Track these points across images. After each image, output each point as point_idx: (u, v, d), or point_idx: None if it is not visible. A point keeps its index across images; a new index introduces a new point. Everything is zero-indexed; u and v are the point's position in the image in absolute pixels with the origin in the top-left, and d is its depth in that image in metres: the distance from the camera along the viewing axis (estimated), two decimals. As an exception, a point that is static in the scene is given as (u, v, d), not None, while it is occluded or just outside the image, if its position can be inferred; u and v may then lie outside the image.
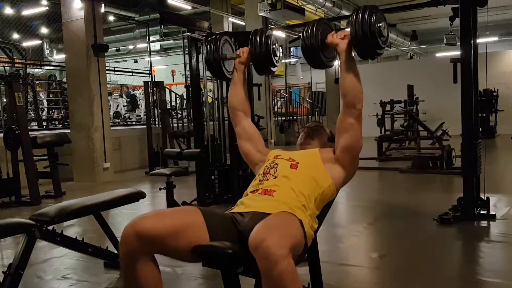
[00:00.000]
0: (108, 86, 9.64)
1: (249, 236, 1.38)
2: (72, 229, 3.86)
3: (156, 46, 17.35)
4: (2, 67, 8.96)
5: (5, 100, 6.83)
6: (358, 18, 1.73)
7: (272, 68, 2.15)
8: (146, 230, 1.48)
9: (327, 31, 1.89)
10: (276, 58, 2.12)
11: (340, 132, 1.87)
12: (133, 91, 13.41)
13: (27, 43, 14.25)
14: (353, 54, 1.84)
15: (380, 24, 1.73)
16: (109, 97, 10.69)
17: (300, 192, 1.76)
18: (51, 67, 13.15)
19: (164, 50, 19.65)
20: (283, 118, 13.32)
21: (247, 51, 2.12)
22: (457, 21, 3.75)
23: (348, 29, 1.79)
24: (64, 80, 9.66)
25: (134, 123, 12.05)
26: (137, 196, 2.77)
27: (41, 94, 10.84)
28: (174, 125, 8.45)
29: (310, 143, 2.08)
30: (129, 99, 13.05)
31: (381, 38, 1.75)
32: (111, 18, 12.47)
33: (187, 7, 11.06)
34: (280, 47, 2.18)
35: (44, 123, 10.17)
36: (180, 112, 10.34)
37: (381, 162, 7.88)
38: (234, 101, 2.14)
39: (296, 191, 1.75)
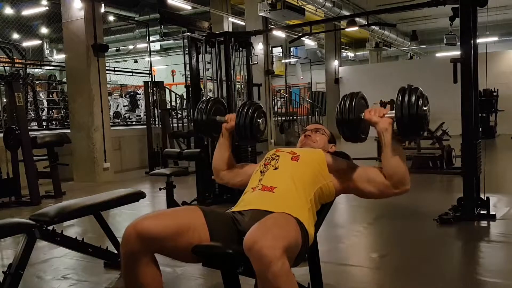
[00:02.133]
0: (108, 86, 9.63)
1: (244, 238, 1.39)
2: (72, 229, 3.86)
3: (156, 46, 17.37)
4: (2, 67, 8.97)
5: (5, 100, 6.82)
6: (405, 101, 1.69)
7: (253, 141, 2.16)
8: (148, 231, 1.49)
9: (363, 106, 1.85)
10: (259, 133, 2.11)
11: (371, 181, 1.83)
12: (133, 91, 13.41)
13: (27, 43, 14.25)
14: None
15: (425, 108, 1.70)
16: (109, 97, 10.69)
17: (301, 185, 1.76)
18: (51, 67, 13.16)
19: (164, 50, 19.67)
20: (283, 118, 13.32)
21: (234, 119, 2.10)
22: (457, 21, 3.76)
23: (387, 109, 1.78)
24: (64, 80, 9.66)
25: (134, 123, 12.05)
26: (137, 196, 2.76)
27: (41, 94, 10.84)
28: (174, 125, 8.44)
29: (311, 145, 2.08)
30: (129, 99, 13.05)
31: (425, 121, 1.72)
32: (111, 18, 12.47)
33: (187, 7, 11.06)
34: (265, 123, 2.14)
35: (44, 123, 10.17)
36: (180, 112, 10.34)
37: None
38: (218, 164, 2.14)
39: (296, 184, 1.76)
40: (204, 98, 2.28)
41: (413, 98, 1.69)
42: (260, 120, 2.09)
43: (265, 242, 1.32)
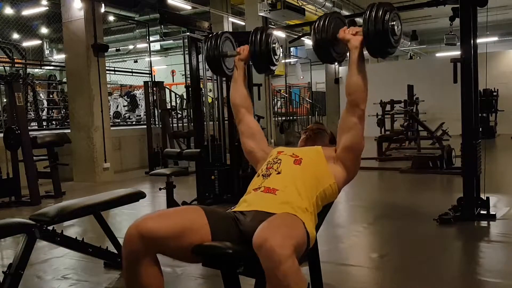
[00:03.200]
0: (108, 86, 9.63)
1: (253, 236, 1.39)
2: (72, 229, 3.86)
3: (156, 46, 17.34)
4: (2, 67, 8.96)
5: (5, 100, 6.82)
6: (372, 15, 1.70)
7: (271, 67, 2.15)
8: (150, 231, 1.48)
9: (339, 26, 1.85)
10: (276, 57, 2.11)
11: (342, 131, 1.86)
12: (133, 91, 13.41)
13: (27, 43, 14.23)
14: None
15: (394, 23, 1.70)
16: (109, 97, 10.69)
17: (303, 189, 1.76)
18: (51, 67, 13.16)
19: (164, 50, 19.64)
20: (283, 118, 13.32)
21: (247, 49, 2.13)
22: (457, 21, 3.76)
23: (361, 26, 1.77)
24: (64, 80, 9.66)
25: (134, 123, 12.05)
26: (137, 196, 2.77)
27: (41, 94, 10.84)
28: (174, 125, 8.45)
29: (312, 146, 2.08)
30: (129, 99, 13.05)
31: (394, 37, 1.72)
32: (111, 18, 12.46)
33: (187, 7, 11.05)
34: (280, 46, 2.16)
35: (44, 123, 10.17)
36: (180, 112, 10.34)
37: (381, 162, 7.88)
38: (236, 98, 2.15)
39: (298, 188, 1.75)
40: (212, 34, 2.25)
41: (380, 12, 1.69)
42: (275, 45, 2.09)
43: (275, 241, 1.33)
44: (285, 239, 1.36)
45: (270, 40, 2.07)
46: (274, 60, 2.11)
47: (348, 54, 1.84)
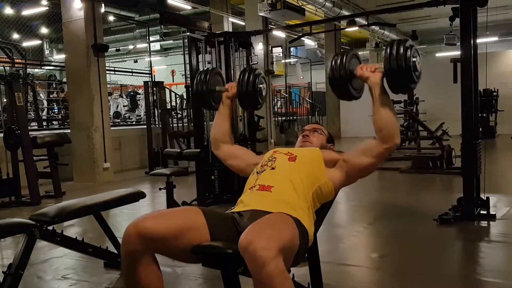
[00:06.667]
0: (108, 86, 9.63)
1: (239, 239, 1.39)
2: (72, 229, 3.86)
3: (156, 46, 17.35)
4: (2, 67, 8.96)
5: (5, 100, 6.82)
6: (393, 52, 1.69)
7: (257, 106, 2.19)
8: (148, 231, 1.48)
9: (355, 63, 1.85)
10: (262, 98, 2.15)
11: (364, 153, 1.85)
12: (133, 91, 13.41)
13: (27, 43, 14.24)
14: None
15: (415, 59, 1.70)
16: (109, 97, 10.69)
17: (298, 184, 1.76)
18: (51, 67, 13.15)
19: (164, 50, 19.65)
20: (283, 118, 13.32)
21: (235, 87, 2.14)
22: (457, 21, 3.76)
23: (377, 63, 1.78)
24: (64, 80, 9.66)
25: (134, 123, 12.05)
26: (137, 196, 2.77)
27: (41, 94, 10.84)
28: (174, 125, 8.45)
29: (309, 146, 2.08)
30: (129, 99, 13.06)
31: (415, 73, 1.72)
32: (111, 18, 12.46)
33: (187, 7, 11.05)
34: (266, 87, 2.19)
35: (44, 123, 10.17)
36: (180, 112, 10.34)
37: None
38: (216, 133, 2.16)
39: (294, 184, 1.75)
40: (202, 70, 2.29)
41: (401, 50, 1.69)
42: (261, 86, 2.13)
43: (259, 243, 1.33)
44: (270, 240, 1.35)
45: (257, 81, 2.09)
46: (260, 100, 2.15)
47: (369, 90, 1.81)
